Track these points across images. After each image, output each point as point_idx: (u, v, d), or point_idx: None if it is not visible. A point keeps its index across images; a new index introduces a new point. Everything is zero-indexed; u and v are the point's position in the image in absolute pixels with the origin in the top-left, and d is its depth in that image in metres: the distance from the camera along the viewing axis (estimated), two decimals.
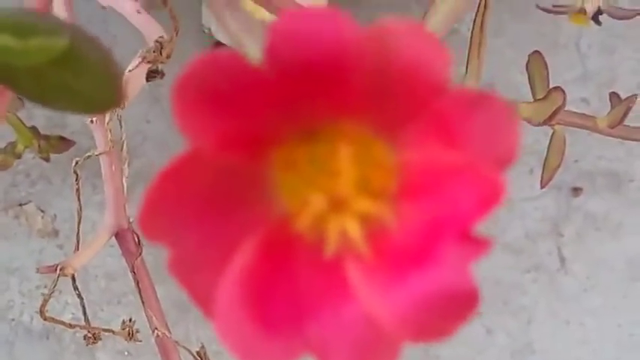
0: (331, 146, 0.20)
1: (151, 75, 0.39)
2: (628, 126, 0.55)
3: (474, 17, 0.51)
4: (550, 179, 0.52)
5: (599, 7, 0.56)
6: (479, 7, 0.51)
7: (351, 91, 0.19)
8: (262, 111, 0.19)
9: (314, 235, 0.20)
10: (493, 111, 0.19)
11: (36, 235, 0.64)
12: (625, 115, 0.52)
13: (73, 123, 0.63)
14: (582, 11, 0.56)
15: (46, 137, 0.57)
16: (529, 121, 0.48)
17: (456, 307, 0.18)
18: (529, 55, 0.54)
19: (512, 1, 0.75)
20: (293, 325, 0.19)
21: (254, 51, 0.21)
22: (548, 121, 0.48)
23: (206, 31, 0.77)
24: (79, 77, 0.23)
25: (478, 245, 0.18)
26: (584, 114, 0.55)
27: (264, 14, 0.25)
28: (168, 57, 0.39)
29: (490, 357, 0.74)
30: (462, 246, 0.18)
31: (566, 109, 0.53)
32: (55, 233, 0.64)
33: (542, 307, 0.75)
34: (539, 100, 0.49)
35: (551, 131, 0.52)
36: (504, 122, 0.19)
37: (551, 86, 0.55)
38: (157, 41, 0.38)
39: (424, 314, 0.18)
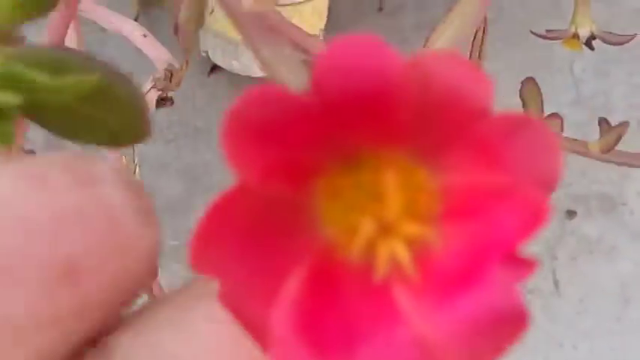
0: (375, 173, 0.20)
1: (161, 102, 0.39)
2: (620, 150, 0.56)
3: (471, 45, 0.52)
4: None
5: (592, 33, 0.56)
6: (476, 35, 0.52)
7: (395, 119, 0.19)
8: (308, 142, 0.19)
9: (362, 261, 0.20)
10: (535, 134, 0.19)
11: None
12: (617, 141, 0.53)
13: (71, 144, 0.63)
14: (576, 36, 0.57)
15: None
16: None
17: (505, 327, 0.19)
18: (522, 82, 0.55)
19: (505, 27, 0.76)
20: (346, 351, 0.19)
21: (293, 83, 0.21)
22: None
23: (204, 54, 0.78)
24: (108, 112, 0.24)
25: (524, 265, 0.19)
26: (576, 139, 0.55)
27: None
28: (177, 85, 0.39)
29: None
30: (508, 267, 0.19)
31: (564, 137, 0.54)
32: None
33: (536, 330, 0.75)
34: None
35: None
36: (546, 145, 0.19)
37: (544, 110, 0.55)
38: (166, 69, 0.39)
39: (473, 336, 0.19)
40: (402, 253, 0.20)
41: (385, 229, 0.20)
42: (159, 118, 0.77)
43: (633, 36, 0.57)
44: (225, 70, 0.76)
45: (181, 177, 0.78)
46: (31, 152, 0.57)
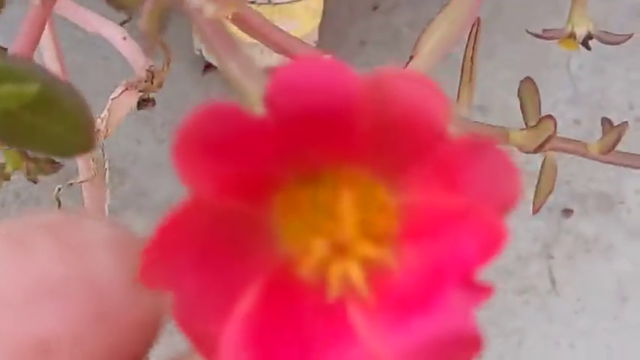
0: (333, 190, 0.20)
1: (143, 103, 0.39)
2: (619, 151, 0.55)
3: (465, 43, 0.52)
4: (542, 205, 0.52)
5: (589, 32, 0.56)
6: (470, 34, 0.51)
7: (352, 137, 0.19)
8: (263, 157, 0.19)
9: (317, 280, 0.20)
10: (493, 158, 0.19)
11: None
12: (616, 142, 0.52)
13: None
14: (572, 36, 0.56)
15: (35, 160, 0.57)
16: (521, 149, 0.48)
17: (458, 351, 0.18)
18: (520, 82, 0.54)
19: (503, 24, 0.75)
20: None
21: (255, 95, 0.21)
22: (539, 148, 0.48)
23: (197, 52, 0.78)
24: (51, 121, 0.23)
25: (480, 291, 0.19)
26: (575, 140, 0.55)
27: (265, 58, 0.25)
28: (159, 86, 0.39)
29: None
30: (464, 291, 0.19)
31: (557, 131, 0.53)
32: None
33: (533, 329, 0.75)
34: (531, 127, 0.49)
35: (543, 155, 0.53)
36: (504, 168, 0.19)
37: (542, 108, 0.55)
38: (148, 70, 0.38)
39: (425, 357, 0.18)
40: (356, 274, 0.19)
41: (340, 249, 0.20)
42: (152, 117, 0.76)
43: (630, 35, 0.56)
44: (219, 69, 0.76)
45: (175, 177, 0.78)
46: (23, 152, 0.57)
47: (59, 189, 0.44)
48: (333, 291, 0.20)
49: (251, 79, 0.21)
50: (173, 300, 0.19)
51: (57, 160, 0.59)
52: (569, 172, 0.77)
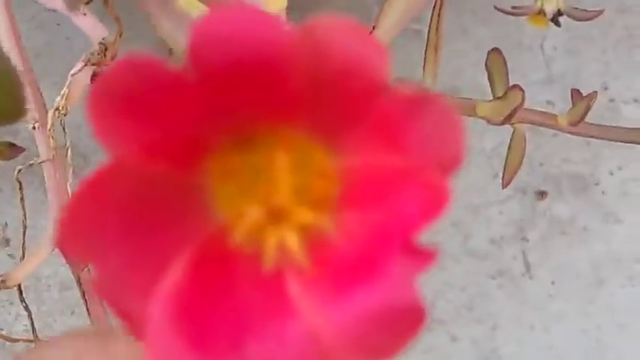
0: (268, 153, 0.19)
1: (95, 78, 0.37)
2: (589, 123, 0.54)
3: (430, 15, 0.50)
4: (511, 179, 0.51)
5: (558, 9, 0.55)
6: (434, 7, 0.50)
7: (286, 94, 0.18)
8: (191, 117, 0.17)
9: (252, 248, 0.19)
10: (436, 112, 0.17)
11: None
12: (586, 112, 0.51)
13: (25, 130, 0.62)
14: (542, 13, 0.55)
15: None
16: (488, 120, 0.47)
17: (401, 323, 0.17)
18: (488, 53, 0.53)
19: (475, 5, 0.74)
20: (232, 344, 0.18)
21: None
22: (507, 119, 0.47)
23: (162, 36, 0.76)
24: None
25: (422, 257, 0.17)
26: (544, 112, 0.54)
27: (200, 10, 0.24)
28: (112, 59, 0.37)
29: None
30: (406, 257, 0.17)
31: (531, 110, 0.52)
32: (6, 242, 0.63)
33: (507, 313, 0.74)
34: (499, 98, 0.48)
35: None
36: (448, 124, 0.17)
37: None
38: (100, 43, 0.37)
39: (367, 331, 0.17)
40: (293, 242, 0.18)
41: (276, 216, 0.18)
42: None
43: (600, 11, 0.55)
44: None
45: None
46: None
47: (19, 170, 0.43)
48: (269, 260, 0.18)
49: (184, 36, 0.20)
50: (96, 273, 0.17)
51: (19, 144, 0.57)
52: (543, 154, 0.76)
